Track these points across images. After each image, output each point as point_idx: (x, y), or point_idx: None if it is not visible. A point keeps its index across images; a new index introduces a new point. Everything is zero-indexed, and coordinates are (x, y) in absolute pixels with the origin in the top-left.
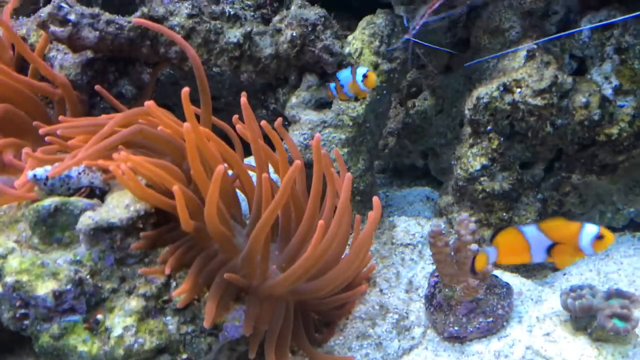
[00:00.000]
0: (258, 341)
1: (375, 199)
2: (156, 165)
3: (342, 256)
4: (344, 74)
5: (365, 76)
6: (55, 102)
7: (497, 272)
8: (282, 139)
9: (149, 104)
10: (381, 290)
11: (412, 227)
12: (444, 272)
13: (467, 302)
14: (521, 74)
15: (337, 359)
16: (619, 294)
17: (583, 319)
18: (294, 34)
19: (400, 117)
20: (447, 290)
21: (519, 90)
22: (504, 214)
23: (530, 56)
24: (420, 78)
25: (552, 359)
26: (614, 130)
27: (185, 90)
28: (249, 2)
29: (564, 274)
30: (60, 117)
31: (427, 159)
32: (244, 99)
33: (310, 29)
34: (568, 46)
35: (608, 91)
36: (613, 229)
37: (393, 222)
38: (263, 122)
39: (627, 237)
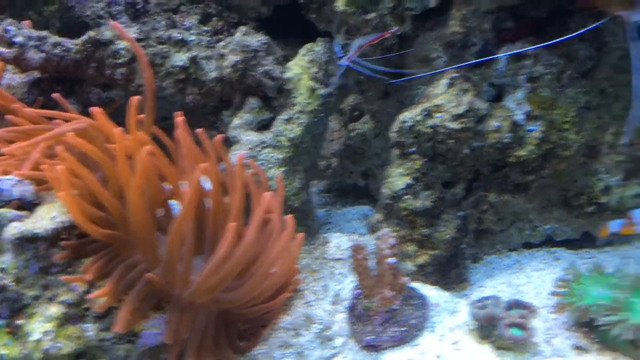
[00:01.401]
0: (178, 349)
1: (288, 217)
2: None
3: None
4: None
5: None
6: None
7: (417, 285)
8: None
9: (95, 109)
10: (308, 302)
11: (344, 243)
12: (364, 283)
13: (383, 312)
14: (441, 100)
15: None
16: (518, 304)
17: (487, 327)
18: (237, 59)
19: (343, 139)
20: (366, 301)
21: (439, 115)
22: (425, 230)
23: (450, 84)
24: (362, 102)
25: None
26: (523, 153)
27: (135, 98)
28: (206, 29)
29: (480, 287)
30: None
31: (367, 179)
32: (178, 118)
33: (252, 55)
34: (487, 75)
35: (519, 116)
36: (531, 245)
37: (326, 238)
38: (206, 142)
39: (542, 252)
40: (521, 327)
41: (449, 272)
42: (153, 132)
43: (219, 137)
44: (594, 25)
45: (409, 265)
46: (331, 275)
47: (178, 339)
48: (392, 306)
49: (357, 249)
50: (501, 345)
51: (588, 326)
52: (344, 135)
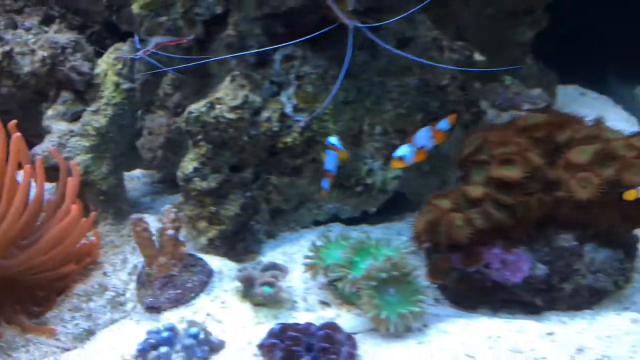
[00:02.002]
0: None
1: (74, 206)
2: None
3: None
4: (330, 160)
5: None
6: None
7: (207, 256)
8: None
9: None
10: (105, 273)
11: (152, 222)
12: (145, 253)
13: (161, 277)
14: (222, 93)
15: (40, 328)
16: (274, 266)
17: (247, 287)
18: (45, 55)
19: (166, 133)
20: (147, 269)
21: (219, 106)
22: (213, 208)
23: (232, 80)
24: (182, 99)
25: (222, 321)
26: (289, 140)
27: None
28: (47, 29)
29: (264, 257)
30: None
31: None
32: None
33: (59, 51)
34: (267, 74)
35: (288, 109)
36: (319, 223)
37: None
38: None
39: (322, 228)
40: (271, 285)
41: (237, 245)
42: None
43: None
44: (325, 29)
45: (202, 240)
46: (133, 250)
47: None
48: (170, 272)
49: (136, 221)
50: (258, 302)
51: (333, 284)
52: (166, 130)
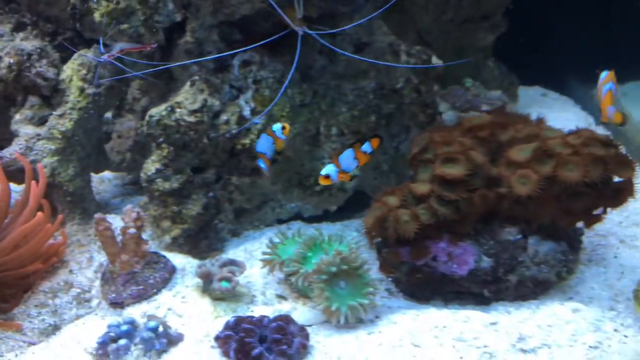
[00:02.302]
0: None
1: (39, 213)
2: None
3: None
4: (262, 142)
5: (283, 127)
6: None
7: (171, 254)
8: None
9: None
10: (70, 271)
11: (116, 222)
12: (108, 251)
13: (124, 274)
14: (182, 97)
15: (6, 323)
16: (232, 262)
17: (207, 283)
18: (11, 61)
19: (134, 136)
20: (111, 266)
21: (179, 110)
22: (175, 208)
23: (192, 85)
24: (150, 104)
25: (182, 315)
26: (247, 141)
27: None
28: (20, 35)
29: (226, 254)
30: None
31: None
32: None
33: (25, 58)
34: (227, 79)
35: (246, 112)
36: (282, 221)
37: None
38: None
39: (284, 226)
40: (229, 280)
41: (200, 243)
42: None
43: None
44: (275, 36)
45: (166, 238)
46: (99, 249)
47: None
48: (132, 269)
49: (98, 220)
50: (216, 297)
51: (289, 279)
52: (135, 133)
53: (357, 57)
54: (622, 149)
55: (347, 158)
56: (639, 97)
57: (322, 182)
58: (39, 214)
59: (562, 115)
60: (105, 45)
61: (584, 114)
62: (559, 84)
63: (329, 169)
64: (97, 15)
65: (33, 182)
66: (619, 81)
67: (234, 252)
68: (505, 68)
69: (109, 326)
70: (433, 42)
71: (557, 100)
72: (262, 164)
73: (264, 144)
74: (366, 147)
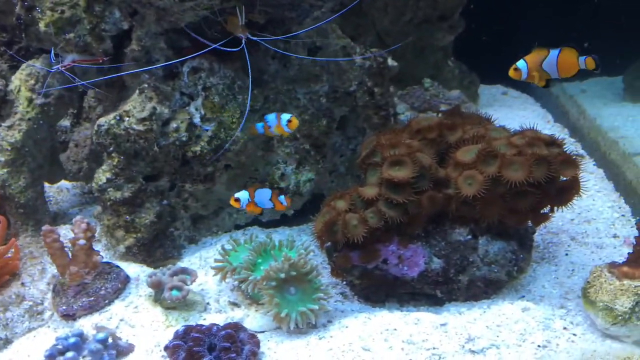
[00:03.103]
0: None
1: None
2: None
3: None
4: (271, 117)
5: (289, 121)
6: None
7: (124, 263)
8: None
9: None
10: (22, 284)
11: (70, 233)
12: (58, 262)
13: (74, 285)
14: (130, 106)
15: None
16: (183, 271)
17: (158, 292)
18: None
19: (89, 145)
20: (61, 278)
21: (127, 118)
22: (128, 217)
23: (140, 93)
24: (104, 113)
25: (135, 326)
26: (197, 148)
27: None
28: None
29: (181, 262)
30: None
31: None
32: None
33: None
34: (177, 86)
35: (197, 119)
36: (240, 227)
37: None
38: None
39: (241, 232)
40: (179, 289)
41: (155, 252)
42: None
43: None
44: (218, 43)
45: (120, 248)
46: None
47: None
48: (83, 280)
49: (46, 233)
50: (168, 306)
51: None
52: (92, 141)
53: (309, 57)
54: (567, 149)
55: (263, 196)
56: (596, 94)
57: (232, 203)
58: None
59: (521, 114)
60: (56, 55)
61: (543, 111)
62: (520, 81)
63: (242, 195)
64: (42, 25)
65: None
66: (580, 78)
67: (190, 260)
68: (466, 67)
69: (57, 339)
70: (392, 44)
71: (517, 99)
72: (260, 127)
73: (272, 120)
74: (282, 199)
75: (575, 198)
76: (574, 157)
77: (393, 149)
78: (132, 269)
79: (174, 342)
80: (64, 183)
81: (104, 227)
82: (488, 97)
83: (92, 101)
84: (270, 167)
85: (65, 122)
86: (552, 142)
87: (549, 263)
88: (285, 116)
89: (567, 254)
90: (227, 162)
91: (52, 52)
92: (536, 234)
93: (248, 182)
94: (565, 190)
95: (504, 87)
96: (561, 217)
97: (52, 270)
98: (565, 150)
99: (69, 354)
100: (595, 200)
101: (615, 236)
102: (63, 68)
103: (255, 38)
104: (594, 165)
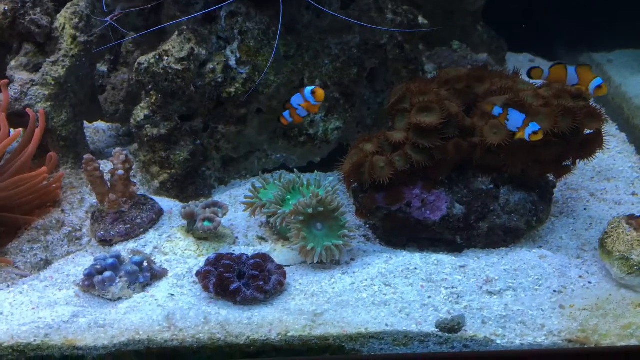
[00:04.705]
0: None
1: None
2: None
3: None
4: (295, 99)
5: (313, 92)
6: None
7: (158, 198)
8: None
9: None
10: (63, 210)
11: (108, 167)
12: (97, 191)
13: (112, 213)
14: (169, 46)
15: None
16: (214, 204)
17: (190, 223)
18: (6, 8)
19: (126, 88)
20: (100, 205)
21: (166, 58)
22: (163, 153)
23: (179, 34)
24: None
25: (167, 253)
26: (232, 89)
27: None
28: None
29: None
30: None
31: None
32: None
33: (20, 5)
34: (214, 30)
35: (232, 61)
36: (268, 171)
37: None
38: None
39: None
40: (211, 220)
41: (187, 188)
42: None
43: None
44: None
45: (155, 183)
46: (91, 192)
47: None
48: (120, 208)
49: (87, 161)
50: (199, 236)
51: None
52: (128, 84)
53: (341, 16)
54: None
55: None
56: (623, 64)
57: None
58: (44, 168)
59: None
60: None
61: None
62: (548, 51)
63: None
64: None
65: (37, 129)
66: (607, 49)
67: (220, 198)
68: (495, 33)
69: (96, 259)
70: (424, 4)
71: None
72: (287, 115)
73: (297, 99)
74: (307, 93)
75: (598, 151)
76: (598, 110)
77: (422, 95)
78: (165, 203)
79: (206, 268)
80: (100, 124)
81: (140, 163)
82: (515, 63)
83: (130, 46)
84: None
85: (103, 68)
86: (578, 95)
87: (567, 217)
88: (309, 88)
89: (585, 209)
90: (259, 105)
91: (104, 1)
92: (556, 189)
93: (278, 128)
94: (588, 143)
95: (533, 55)
96: (582, 175)
97: (90, 200)
98: (590, 103)
99: (107, 273)
100: (616, 160)
101: (634, 194)
102: (113, 19)
103: None
104: (616, 129)
